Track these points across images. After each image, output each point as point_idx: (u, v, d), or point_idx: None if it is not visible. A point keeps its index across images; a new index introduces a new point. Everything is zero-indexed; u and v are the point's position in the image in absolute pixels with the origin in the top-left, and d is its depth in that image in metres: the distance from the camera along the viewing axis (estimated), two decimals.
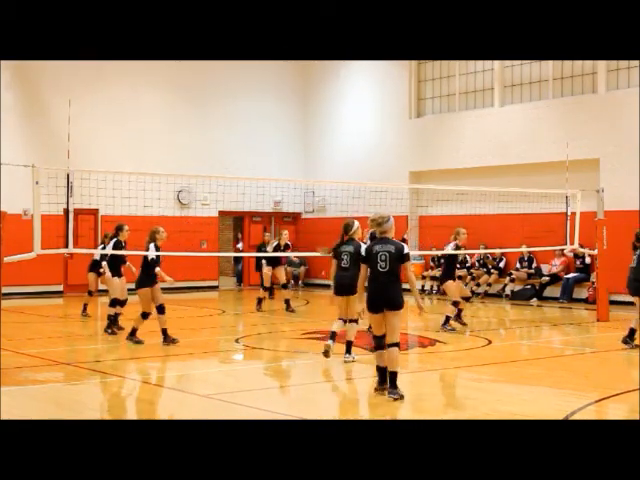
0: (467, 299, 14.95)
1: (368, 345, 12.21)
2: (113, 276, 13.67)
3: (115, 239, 13.42)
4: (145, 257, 12.18)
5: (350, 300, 10.33)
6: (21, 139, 20.63)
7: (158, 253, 12.19)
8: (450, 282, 14.19)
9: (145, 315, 12.17)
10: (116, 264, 13.73)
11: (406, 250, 8.37)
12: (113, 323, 13.45)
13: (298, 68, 25.20)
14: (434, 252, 19.55)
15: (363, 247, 9.04)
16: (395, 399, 8.12)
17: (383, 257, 8.32)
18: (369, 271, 8.53)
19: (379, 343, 8.54)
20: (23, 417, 7.25)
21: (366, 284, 8.62)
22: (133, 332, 12.21)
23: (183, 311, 16.96)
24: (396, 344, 8.31)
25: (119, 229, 13.48)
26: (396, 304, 8.26)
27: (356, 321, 10.53)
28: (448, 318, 13.96)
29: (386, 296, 8.30)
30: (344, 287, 10.33)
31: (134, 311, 12.75)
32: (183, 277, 19.28)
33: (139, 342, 12.12)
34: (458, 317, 14.27)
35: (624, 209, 18.16)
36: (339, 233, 10.64)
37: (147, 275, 12.16)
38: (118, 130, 22.02)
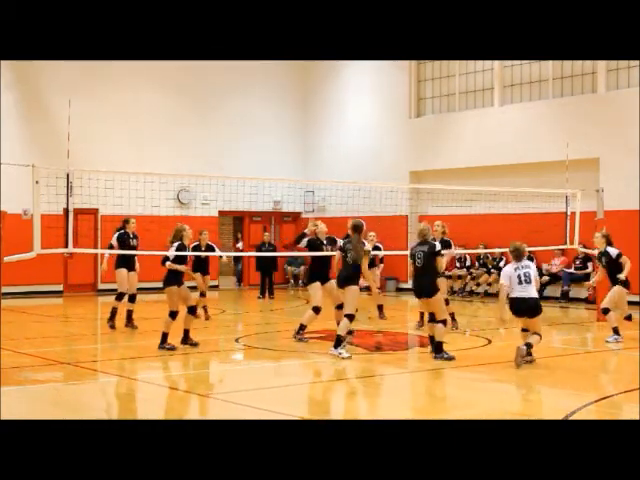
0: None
1: (368, 344, 12.22)
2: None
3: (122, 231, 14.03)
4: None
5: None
6: (21, 139, 20.61)
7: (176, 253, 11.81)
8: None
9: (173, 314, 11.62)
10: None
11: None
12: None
13: (298, 68, 25.19)
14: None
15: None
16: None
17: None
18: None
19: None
20: (23, 417, 7.25)
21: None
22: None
23: (183, 310, 16.97)
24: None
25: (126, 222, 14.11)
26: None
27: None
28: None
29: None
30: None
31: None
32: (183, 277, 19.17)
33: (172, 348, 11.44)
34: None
35: (624, 209, 18.16)
36: (340, 232, 10.70)
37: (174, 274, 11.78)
38: (118, 130, 22.00)
